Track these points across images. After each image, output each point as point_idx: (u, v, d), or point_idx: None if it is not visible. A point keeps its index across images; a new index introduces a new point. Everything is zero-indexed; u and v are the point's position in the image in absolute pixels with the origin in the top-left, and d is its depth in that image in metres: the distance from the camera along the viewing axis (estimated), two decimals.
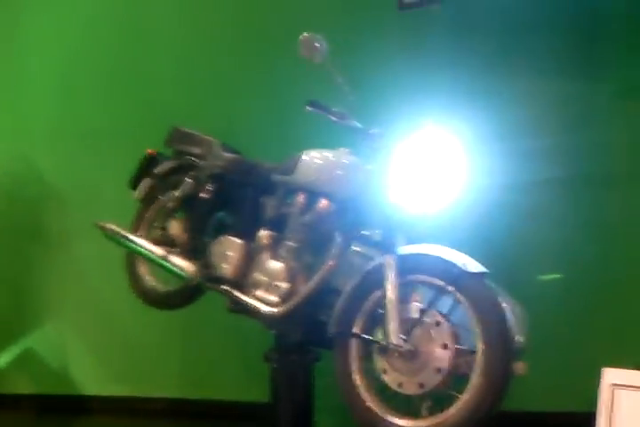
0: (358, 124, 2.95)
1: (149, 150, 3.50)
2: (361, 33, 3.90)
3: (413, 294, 2.81)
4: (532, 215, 3.79)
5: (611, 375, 2.21)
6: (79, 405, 3.93)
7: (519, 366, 2.64)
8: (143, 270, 3.52)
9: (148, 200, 3.47)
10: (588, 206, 3.75)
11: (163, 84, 4.13)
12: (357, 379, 2.85)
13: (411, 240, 2.88)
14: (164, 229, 3.40)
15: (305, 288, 2.99)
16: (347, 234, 2.95)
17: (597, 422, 2.19)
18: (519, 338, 2.74)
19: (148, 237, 3.43)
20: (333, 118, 2.93)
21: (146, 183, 3.46)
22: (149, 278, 3.50)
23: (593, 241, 3.67)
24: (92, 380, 4.01)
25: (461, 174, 2.85)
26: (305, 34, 2.92)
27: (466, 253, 2.80)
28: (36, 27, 4.24)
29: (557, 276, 3.88)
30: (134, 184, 3.50)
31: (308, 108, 2.93)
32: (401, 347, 2.70)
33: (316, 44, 2.90)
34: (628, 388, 2.19)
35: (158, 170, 3.45)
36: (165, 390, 3.97)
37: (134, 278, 3.53)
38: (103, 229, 3.48)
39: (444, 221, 2.90)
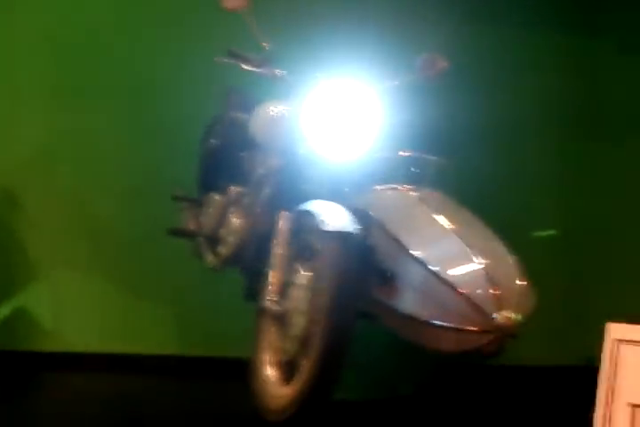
0: (277, 72, 2.78)
1: None
2: None
3: None
4: (525, 168, 3.77)
5: (615, 330, 2.18)
6: (75, 362, 3.90)
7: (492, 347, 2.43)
8: None
9: None
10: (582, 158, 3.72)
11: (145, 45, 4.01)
12: (262, 334, 2.74)
13: (327, 194, 2.66)
14: None
15: (231, 244, 2.95)
16: (277, 189, 2.76)
17: (600, 377, 2.16)
18: (515, 315, 2.44)
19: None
20: (248, 67, 2.78)
21: None
22: None
23: (592, 195, 3.65)
24: (88, 337, 3.97)
25: (376, 122, 2.65)
26: None
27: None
28: None
29: (553, 232, 3.87)
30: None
31: (219, 58, 2.76)
32: (267, 309, 2.58)
33: None
34: (632, 343, 2.16)
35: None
36: (163, 347, 3.96)
37: None
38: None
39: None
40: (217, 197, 3.24)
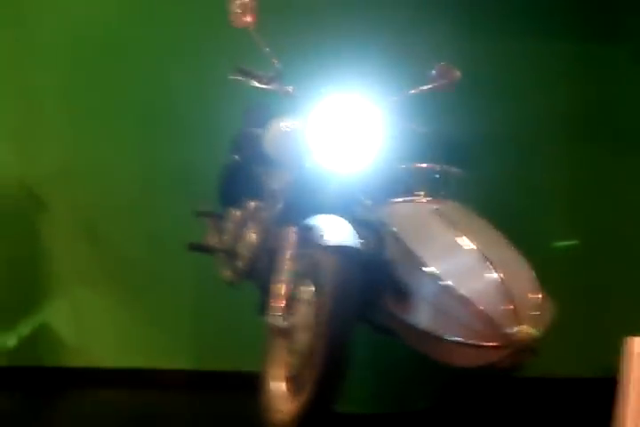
0: (287, 88, 2.79)
1: None
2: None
3: None
4: (540, 178, 3.75)
5: (635, 345, 2.16)
6: (96, 377, 3.92)
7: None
8: None
9: None
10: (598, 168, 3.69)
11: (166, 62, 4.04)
12: (271, 349, 2.71)
13: (339, 208, 2.63)
14: None
15: (246, 258, 2.96)
16: (289, 204, 2.74)
17: (620, 392, 2.15)
18: (532, 330, 2.34)
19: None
20: (258, 85, 2.80)
21: None
22: None
23: (613, 206, 3.62)
24: (109, 352, 3.99)
25: (383, 135, 2.65)
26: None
27: None
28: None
29: (574, 242, 3.84)
30: None
31: (232, 76, 2.78)
32: (273, 325, 2.59)
33: (247, 10, 2.75)
34: None
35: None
36: (181, 362, 3.97)
37: None
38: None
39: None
40: (235, 211, 3.25)
